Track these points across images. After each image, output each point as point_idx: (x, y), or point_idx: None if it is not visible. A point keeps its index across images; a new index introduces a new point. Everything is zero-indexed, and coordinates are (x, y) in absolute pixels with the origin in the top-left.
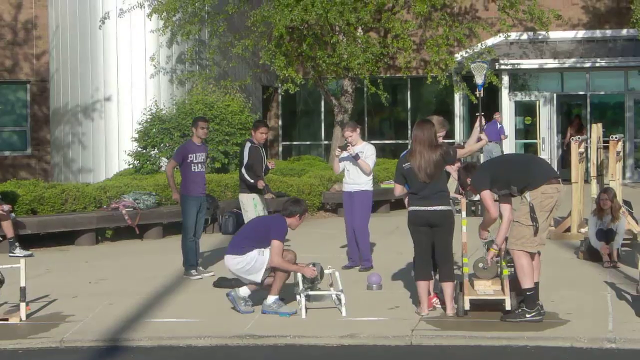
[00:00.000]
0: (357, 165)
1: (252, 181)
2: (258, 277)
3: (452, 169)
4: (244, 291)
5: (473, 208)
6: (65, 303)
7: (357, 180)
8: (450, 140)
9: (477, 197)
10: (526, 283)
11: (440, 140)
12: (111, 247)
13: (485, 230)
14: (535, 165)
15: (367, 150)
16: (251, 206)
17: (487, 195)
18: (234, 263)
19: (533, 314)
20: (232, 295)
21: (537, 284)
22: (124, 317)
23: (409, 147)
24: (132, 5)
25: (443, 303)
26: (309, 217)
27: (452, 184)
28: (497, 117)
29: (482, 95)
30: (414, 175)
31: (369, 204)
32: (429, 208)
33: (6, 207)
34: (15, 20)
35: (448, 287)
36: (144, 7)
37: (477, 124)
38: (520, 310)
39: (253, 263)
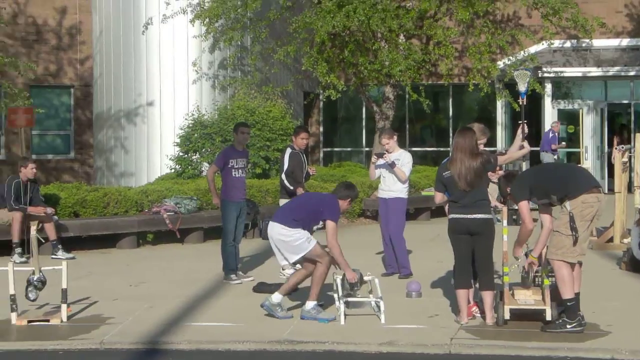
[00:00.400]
0: (393, 172)
1: (292, 187)
2: (292, 259)
3: (493, 176)
4: (277, 297)
5: (514, 217)
6: (105, 305)
7: (392, 187)
8: (492, 149)
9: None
10: (567, 293)
11: (481, 148)
12: (152, 251)
13: (520, 246)
14: (576, 174)
15: (403, 158)
16: None
17: (525, 206)
18: (278, 232)
19: (574, 324)
20: (266, 305)
21: (577, 294)
22: (164, 320)
23: (450, 154)
24: (175, 11)
25: (483, 312)
26: (350, 223)
27: (492, 194)
28: (553, 126)
29: (524, 103)
30: (454, 183)
31: (403, 211)
32: (469, 216)
33: (49, 209)
34: (59, 26)
35: (488, 296)
36: (187, 12)
37: (519, 131)
38: (561, 321)
39: (296, 243)
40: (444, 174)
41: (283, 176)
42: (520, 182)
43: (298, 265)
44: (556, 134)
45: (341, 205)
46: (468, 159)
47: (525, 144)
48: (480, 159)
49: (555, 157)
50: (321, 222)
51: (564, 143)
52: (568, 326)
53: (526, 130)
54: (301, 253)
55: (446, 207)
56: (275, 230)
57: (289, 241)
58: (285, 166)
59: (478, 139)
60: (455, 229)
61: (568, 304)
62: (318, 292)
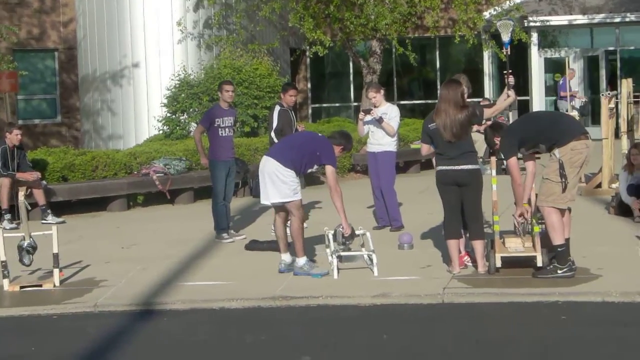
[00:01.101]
0: (382, 127)
1: None
2: (274, 198)
3: (480, 128)
4: (288, 257)
5: (503, 167)
6: (98, 268)
7: (381, 141)
8: (477, 99)
9: None
10: (557, 239)
11: (466, 99)
12: (142, 213)
13: (520, 205)
14: (563, 122)
15: (390, 112)
16: None
17: (514, 164)
18: (274, 167)
19: (564, 269)
20: (284, 269)
21: (568, 240)
22: (157, 281)
23: (436, 106)
24: None
25: (474, 261)
26: (340, 178)
27: (481, 147)
28: (569, 73)
29: (509, 53)
30: (439, 135)
31: (393, 164)
32: (456, 167)
33: (37, 174)
34: None
35: (478, 245)
36: None
37: (507, 82)
38: (551, 267)
39: (284, 186)
40: (429, 125)
41: (272, 134)
42: (509, 137)
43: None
44: (568, 81)
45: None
46: (453, 110)
47: (511, 92)
48: (467, 111)
49: (573, 104)
50: (316, 166)
51: (576, 89)
52: (559, 271)
53: (512, 80)
54: (283, 199)
55: (434, 160)
56: (270, 164)
57: (278, 177)
58: (274, 124)
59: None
60: (443, 180)
61: (559, 249)
62: (302, 246)
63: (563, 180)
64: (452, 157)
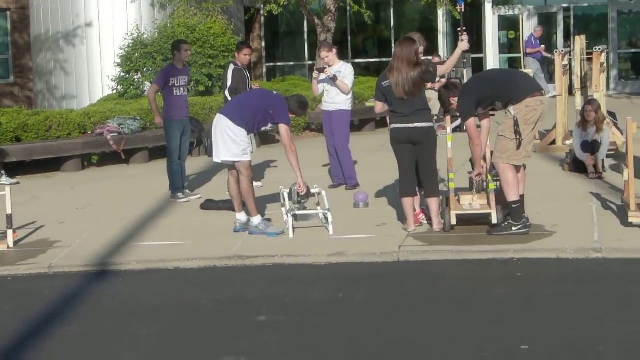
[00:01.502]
0: (336, 85)
1: None
2: (224, 156)
3: (435, 86)
4: (243, 217)
5: (458, 124)
6: (52, 229)
7: (335, 99)
8: (428, 57)
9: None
10: (512, 196)
11: (421, 57)
12: (97, 173)
13: (478, 165)
14: (518, 79)
15: (344, 70)
16: None
17: (472, 125)
18: (223, 124)
19: (519, 226)
20: (240, 228)
21: (522, 196)
22: (112, 242)
23: (389, 64)
24: None
25: (429, 219)
26: (295, 137)
27: (435, 105)
28: (536, 31)
29: (463, 10)
30: (392, 92)
31: (348, 123)
32: (409, 125)
33: None
34: None
35: (433, 203)
36: None
37: (459, 43)
38: (506, 224)
39: (234, 145)
40: (383, 83)
41: (227, 93)
42: (466, 98)
43: None
44: (535, 39)
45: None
46: (406, 68)
47: (465, 36)
48: (419, 68)
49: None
50: (270, 125)
51: (543, 46)
52: (514, 228)
53: (466, 37)
54: (232, 158)
55: (388, 118)
56: (222, 122)
57: (231, 137)
58: (229, 83)
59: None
60: (397, 138)
61: (513, 206)
62: (255, 205)
63: (518, 137)
64: (405, 114)
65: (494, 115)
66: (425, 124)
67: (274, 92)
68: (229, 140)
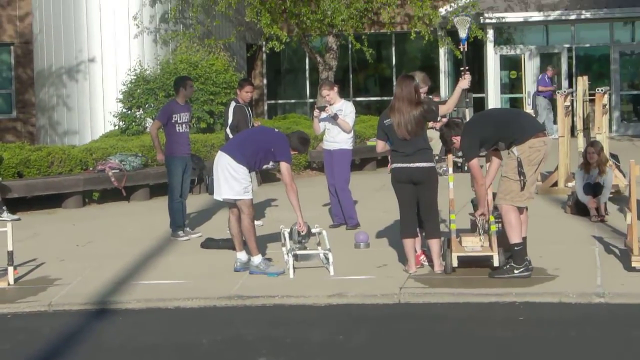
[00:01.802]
0: (337, 124)
1: None
2: (227, 194)
3: (436, 125)
4: (244, 256)
5: (459, 164)
6: (53, 266)
7: (336, 138)
8: (429, 96)
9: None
10: (514, 238)
11: (423, 96)
12: (98, 210)
13: (482, 206)
14: (522, 119)
15: (345, 109)
16: None
17: (476, 165)
18: (225, 161)
19: (521, 269)
20: (240, 268)
21: (524, 239)
22: (112, 280)
23: (391, 103)
24: None
25: (430, 260)
26: (296, 175)
27: (437, 144)
28: (548, 70)
29: (466, 49)
30: (394, 132)
31: (348, 162)
32: (410, 165)
33: None
34: None
35: (434, 244)
36: None
37: (460, 80)
38: (508, 266)
39: (236, 182)
40: (385, 121)
41: (228, 130)
42: (469, 138)
43: None
44: (548, 78)
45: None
46: (408, 107)
47: (467, 75)
48: (421, 107)
49: (549, 99)
50: (272, 163)
51: (555, 86)
52: (515, 271)
53: (469, 76)
54: (234, 196)
55: (389, 157)
56: (223, 159)
57: (232, 175)
58: (230, 120)
59: (419, 88)
60: (398, 178)
61: (515, 248)
62: (255, 244)
63: (522, 178)
64: (407, 154)
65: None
66: (427, 164)
67: (275, 130)
68: (231, 178)
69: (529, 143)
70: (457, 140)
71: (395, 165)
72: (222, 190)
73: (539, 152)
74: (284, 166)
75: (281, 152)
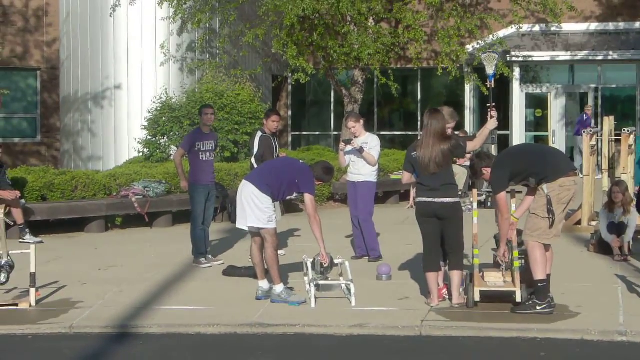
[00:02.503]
0: (362, 157)
1: None
2: (251, 222)
3: (463, 161)
4: (266, 284)
5: (482, 199)
6: (74, 289)
7: (361, 171)
8: (456, 132)
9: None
10: (539, 274)
11: (450, 132)
12: (120, 235)
13: (504, 242)
14: (553, 157)
15: (371, 142)
16: None
17: (503, 199)
18: (249, 190)
19: (544, 306)
20: (262, 296)
21: (549, 276)
22: (134, 304)
23: (419, 136)
24: None
25: (450, 293)
26: (319, 207)
27: (461, 179)
28: (587, 109)
29: (493, 86)
30: (421, 165)
31: (372, 195)
32: (436, 200)
33: (16, 193)
34: (26, 7)
35: (455, 276)
36: None
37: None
38: (531, 302)
39: (260, 212)
40: (412, 153)
41: (253, 160)
42: (499, 171)
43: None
44: (587, 116)
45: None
46: (437, 142)
47: (494, 113)
48: (449, 143)
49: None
50: (295, 194)
51: (593, 125)
52: (538, 307)
53: (495, 113)
54: (259, 224)
55: (412, 191)
56: (247, 188)
57: (256, 204)
58: (255, 150)
59: (447, 123)
60: (423, 212)
61: (539, 285)
62: (278, 273)
63: (550, 216)
64: (432, 188)
65: (520, 192)
66: (452, 200)
67: (300, 161)
68: (255, 207)
69: (560, 182)
70: (487, 171)
71: (420, 199)
72: (247, 219)
73: (568, 192)
74: (307, 198)
75: (305, 183)
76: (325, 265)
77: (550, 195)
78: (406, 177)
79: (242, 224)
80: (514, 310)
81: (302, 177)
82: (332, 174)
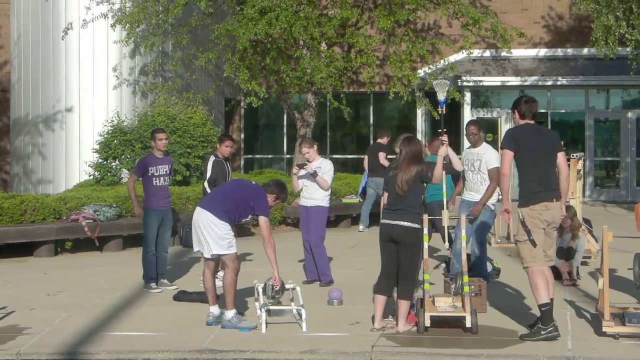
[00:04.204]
0: (316, 181)
1: None
2: (215, 250)
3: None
4: (217, 310)
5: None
6: (22, 315)
7: (314, 195)
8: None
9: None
10: (540, 299)
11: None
12: (70, 259)
13: (508, 199)
14: (537, 179)
15: (324, 166)
16: None
17: (508, 155)
18: (208, 219)
19: (549, 329)
20: (213, 322)
21: (552, 300)
22: (82, 330)
23: (398, 159)
24: (96, 16)
25: (397, 318)
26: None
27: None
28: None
29: (444, 112)
30: (393, 184)
31: (324, 219)
32: (393, 222)
33: None
34: None
35: (402, 305)
36: (108, 17)
37: (441, 144)
38: (536, 328)
39: (219, 238)
40: (390, 173)
41: (206, 184)
42: (511, 135)
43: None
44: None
45: (268, 200)
46: (412, 163)
47: (444, 138)
48: (421, 166)
49: None
50: (250, 216)
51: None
52: (543, 332)
53: (446, 139)
54: (219, 251)
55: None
56: (204, 216)
57: (216, 232)
58: (208, 174)
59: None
60: (382, 235)
61: (542, 309)
62: (233, 299)
63: (529, 237)
64: (395, 209)
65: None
66: (409, 224)
67: (253, 182)
68: (215, 235)
69: (531, 206)
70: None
71: (381, 221)
72: (208, 247)
73: (540, 216)
74: (262, 220)
75: (260, 206)
76: (276, 290)
77: (524, 217)
78: (385, 197)
79: (207, 253)
80: (522, 337)
81: (256, 199)
82: (285, 188)
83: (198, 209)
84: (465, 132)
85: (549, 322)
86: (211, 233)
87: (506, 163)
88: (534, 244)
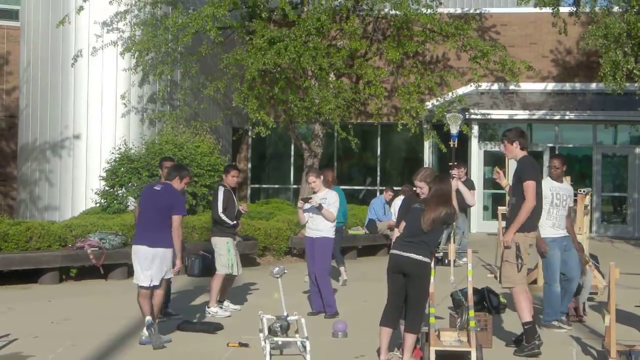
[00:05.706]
0: (321, 213)
1: (231, 224)
2: (167, 275)
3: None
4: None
5: (440, 256)
6: (26, 343)
7: (319, 226)
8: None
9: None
10: (524, 317)
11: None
12: (75, 287)
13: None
14: (537, 212)
15: (330, 198)
16: (224, 250)
17: (532, 185)
18: (151, 253)
19: (530, 346)
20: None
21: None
22: (86, 359)
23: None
24: (105, 44)
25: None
26: (276, 261)
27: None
28: None
29: (456, 145)
30: (416, 218)
31: (330, 250)
32: (403, 254)
33: None
34: None
35: (409, 338)
36: (117, 45)
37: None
38: (522, 344)
39: (167, 263)
40: (415, 205)
41: (221, 214)
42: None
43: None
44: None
45: (176, 186)
46: (442, 203)
47: (454, 172)
48: (450, 208)
49: None
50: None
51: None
52: (526, 349)
53: (456, 172)
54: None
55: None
56: (145, 251)
57: (164, 262)
58: (220, 203)
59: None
60: (391, 266)
61: (525, 327)
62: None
63: (519, 262)
64: (407, 241)
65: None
66: (419, 257)
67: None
68: (165, 268)
69: (526, 234)
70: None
71: (391, 251)
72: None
73: (531, 243)
74: (175, 218)
75: (178, 206)
76: (282, 326)
77: (519, 243)
78: (402, 226)
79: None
80: (516, 352)
81: (175, 202)
82: (180, 168)
83: (138, 247)
84: (548, 165)
85: (531, 339)
86: (158, 266)
87: (534, 194)
88: (521, 267)
